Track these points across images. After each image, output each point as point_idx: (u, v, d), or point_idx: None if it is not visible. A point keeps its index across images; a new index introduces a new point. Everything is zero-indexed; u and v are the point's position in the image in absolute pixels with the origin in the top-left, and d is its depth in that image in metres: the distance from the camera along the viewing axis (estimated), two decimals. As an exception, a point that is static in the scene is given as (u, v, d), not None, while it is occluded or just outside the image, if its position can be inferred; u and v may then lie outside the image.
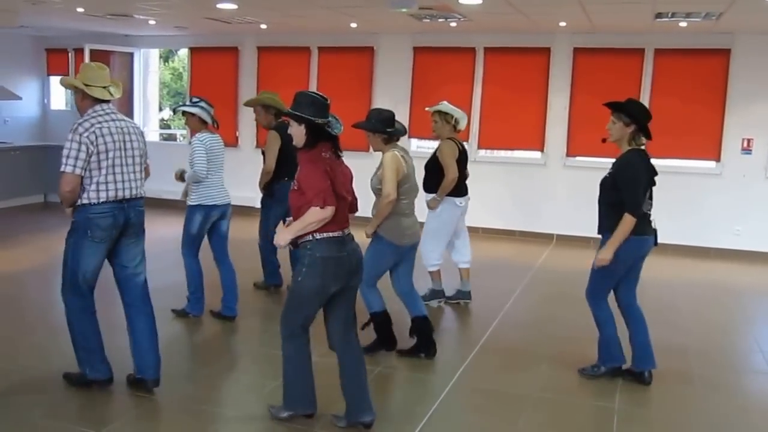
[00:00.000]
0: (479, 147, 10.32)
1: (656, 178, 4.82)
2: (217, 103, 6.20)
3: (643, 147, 4.78)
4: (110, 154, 4.27)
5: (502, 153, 10.77)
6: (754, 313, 7.24)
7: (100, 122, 4.24)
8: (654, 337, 5.16)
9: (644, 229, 4.70)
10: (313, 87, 10.88)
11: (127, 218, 4.39)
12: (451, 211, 6.34)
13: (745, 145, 9.21)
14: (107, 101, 4.34)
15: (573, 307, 6.71)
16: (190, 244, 5.91)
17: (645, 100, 9.31)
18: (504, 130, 10.11)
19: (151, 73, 12.79)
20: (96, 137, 4.21)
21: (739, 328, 6.65)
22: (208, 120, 5.87)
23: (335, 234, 3.80)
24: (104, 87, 4.31)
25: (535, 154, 10.16)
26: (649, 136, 4.77)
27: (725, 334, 6.27)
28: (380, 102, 10.31)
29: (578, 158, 9.83)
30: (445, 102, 6.46)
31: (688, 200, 9.32)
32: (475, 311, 6.62)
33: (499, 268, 8.32)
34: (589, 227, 9.08)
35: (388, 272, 5.20)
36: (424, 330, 5.20)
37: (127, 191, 4.37)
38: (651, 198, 4.80)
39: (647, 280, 7.89)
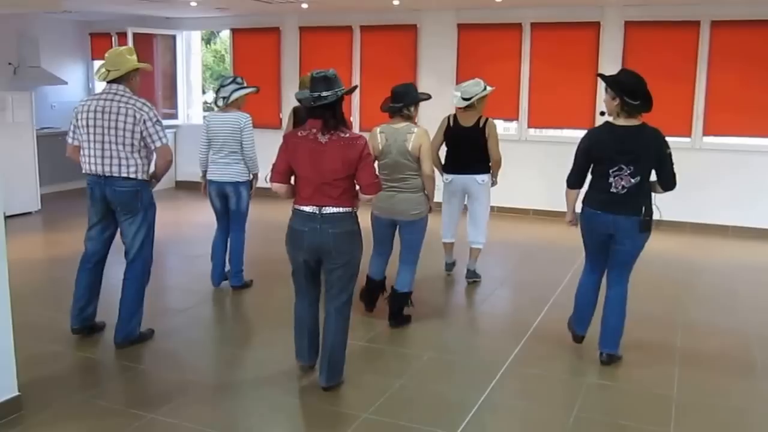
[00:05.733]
0: (529, 126, 10.07)
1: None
2: (259, 85, 6.22)
3: (613, 121, 4.59)
4: (83, 130, 4.67)
5: (551, 132, 10.50)
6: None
7: (90, 100, 4.67)
8: (712, 322, 4.94)
9: (594, 202, 4.62)
10: (356, 67, 10.81)
11: (103, 194, 4.71)
12: (441, 187, 6.41)
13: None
14: (114, 82, 4.68)
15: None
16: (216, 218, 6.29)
17: (702, 75, 9.00)
18: (553, 109, 9.83)
19: (193, 56, 12.78)
20: (77, 113, 4.69)
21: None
22: (217, 101, 6.11)
23: (300, 207, 4.07)
24: (105, 71, 4.72)
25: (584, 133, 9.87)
26: (640, 110, 4.51)
27: None
28: (425, 81, 10.13)
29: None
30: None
31: (748, 180, 8.94)
32: (527, 295, 6.51)
33: (549, 251, 8.13)
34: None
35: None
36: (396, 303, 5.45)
37: (98, 167, 4.66)
38: (616, 174, 4.48)
39: (704, 263, 7.70)
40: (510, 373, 4.64)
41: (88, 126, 4.64)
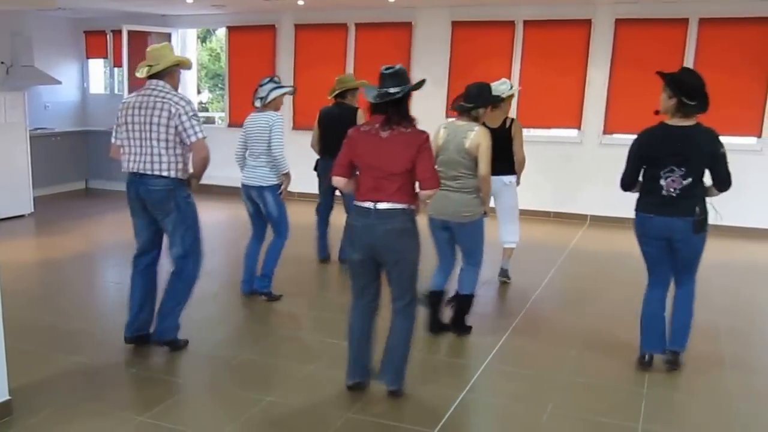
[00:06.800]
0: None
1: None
2: (254, 83, 6.20)
3: (667, 121, 4.46)
4: (123, 127, 4.61)
5: (538, 132, 10.48)
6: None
7: (131, 97, 4.62)
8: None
9: (646, 206, 4.55)
10: (349, 65, 10.83)
11: (138, 193, 4.62)
12: None
13: (788, 121, 8.82)
14: (152, 77, 4.60)
15: (606, 290, 6.68)
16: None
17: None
18: (541, 108, 9.84)
19: (188, 54, 12.74)
20: (120, 110, 4.64)
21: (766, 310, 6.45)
22: (254, 102, 5.95)
23: (358, 203, 4.05)
24: (146, 67, 4.62)
25: (572, 132, 9.91)
26: (696, 111, 4.40)
27: (763, 315, 6.11)
28: (418, 78, 10.11)
29: (615, 136, 9.59)
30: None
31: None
32: (508, 293, 6.55)
33: (531, 250, 8.09)
34: (624, 208, 8.89)
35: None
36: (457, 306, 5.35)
37: (133, 164, 4.59)
38: (668, 175, 4.41)
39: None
40: (489, 371, 4.72)
41: (127, 123, 4.59)
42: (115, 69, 12.80)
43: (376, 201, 3.96)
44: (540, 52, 9.78)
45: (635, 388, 4.49)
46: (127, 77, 11.59)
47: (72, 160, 11.71)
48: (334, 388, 4.37)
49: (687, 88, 4.33)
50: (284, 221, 6.03)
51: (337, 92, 6.98)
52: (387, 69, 4.00)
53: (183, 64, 4.75)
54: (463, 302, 5.32)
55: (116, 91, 12.80)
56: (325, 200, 7.28)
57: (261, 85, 5.91)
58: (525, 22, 9.82)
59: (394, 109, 3.95)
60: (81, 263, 7.47)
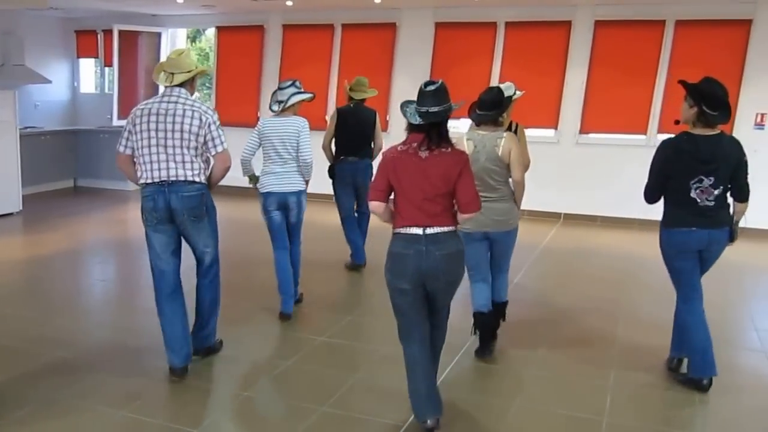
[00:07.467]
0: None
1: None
2: (241, 83, 5.92)
3: (691, 130, 4.33)
4: (144, 135, 4.34)
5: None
6: (753, 291, 7.23)
7: (149, 104, 4.40)
8: (650, 315, 5.07)
9: (683, 220, 4.39)
10: (335, 65, 10.96)
11: (167, 202, 4.36)
12: None
13: (758, 119, 9.01)
14: (176, 86, 4.44)
15: (575, 287, 6.84)
16: (270, 235, 5.79)
17: (662, 73, 9.21)
18: (521, 108, 9.93)
19: (178, 54, 12.80)
20: (134, 117, 4.39)
21: (736, 305, 6.61)
22: (272, 105, 5.76)
23: (402, 230, 3.79)
24: (165, 72, 4.47)
25: (549, 132, 10.06)
26: (717, 121, 4.27)
27: (721, 311, 6.13)
28: (399, 79, 10.30)
29: (591, 135, 9.75)
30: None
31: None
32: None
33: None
34: (597, 206, 9.05)
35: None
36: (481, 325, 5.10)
37: (162, 172, 4.34)
38: (697, 186, 4.31)
39: (638, 255, 7.76)
40: (459, 367, 4.84)
41: (149, 130, 4.34)
42: (106, 68, 12.91)
43: (424, 226, 3.75)
44: (521, 53, 9.93)
45: (602, 382, 4.62)
46: (118, 77, 11.69)
47: (61, 159, 11.79)
48: (308, 382, 4.50)
49: (709, 98, 4.24)
50: (302, 226, 5.89)
51: (362, 98, 6.92)
52: (428, 86, 3.76)
53: (203, 73, 4.67)
54: (502, 309, 5.21)
55: (106, 91, 12.92)
56: (349, 204, 7.04)
57: (281, 88, 5.73)
58: (507, 24, 9.96)
59: (435, 129, 3.74)
60: (68, 261, 7.57)
